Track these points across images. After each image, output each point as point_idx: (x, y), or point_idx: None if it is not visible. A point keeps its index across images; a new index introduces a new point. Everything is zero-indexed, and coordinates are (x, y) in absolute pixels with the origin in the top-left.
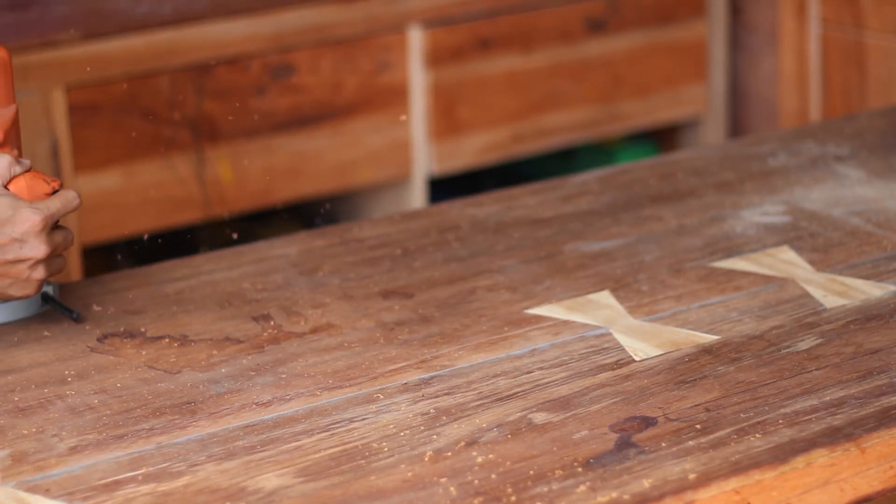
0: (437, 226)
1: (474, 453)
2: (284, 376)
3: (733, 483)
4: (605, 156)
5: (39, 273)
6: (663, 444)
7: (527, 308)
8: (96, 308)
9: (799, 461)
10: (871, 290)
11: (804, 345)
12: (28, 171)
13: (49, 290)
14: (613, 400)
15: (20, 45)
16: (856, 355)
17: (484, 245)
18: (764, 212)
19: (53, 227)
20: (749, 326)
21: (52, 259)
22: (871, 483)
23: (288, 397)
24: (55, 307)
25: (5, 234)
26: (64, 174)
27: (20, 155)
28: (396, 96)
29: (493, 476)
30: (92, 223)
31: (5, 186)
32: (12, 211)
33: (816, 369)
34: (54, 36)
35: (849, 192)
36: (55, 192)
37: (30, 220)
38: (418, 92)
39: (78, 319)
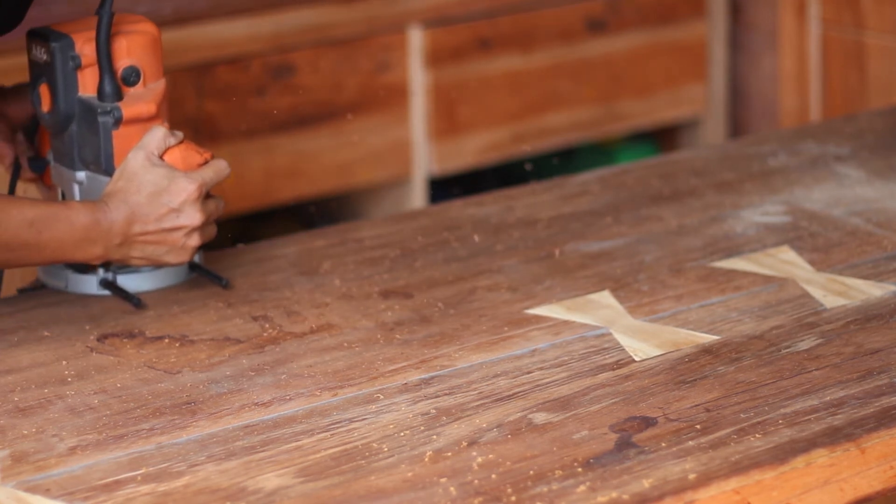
0: (437, 226)
1: (474, 453)
2: (284, 376)
3: (733, 483)
4: (605, 156)
5: (195, 240)
6: (663, 444)
7: (527, 308)
8: (96, 309)
9: (799, 461)
10: (871, 290)
11: (804, 345)
12: (181, 142)
13: (195, 258)
14: (613, 400)
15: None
16: (856, 355)
17: (484, 245)
18: (764, 212)
19: (206, 195)
20: (749, 326)
21: (206, 226)
22: (871, 483)
23: (288, 397)
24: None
25: (163, 204)
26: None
27: (169, 128)
28: (396, 96)
29: (493, 476)
30: None
31: (161, 157)
32: (168, 181)
33: (816, 369)
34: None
35: (849, 192)
36: (206, 162)
37: (185, 189)
38: (418, 92)
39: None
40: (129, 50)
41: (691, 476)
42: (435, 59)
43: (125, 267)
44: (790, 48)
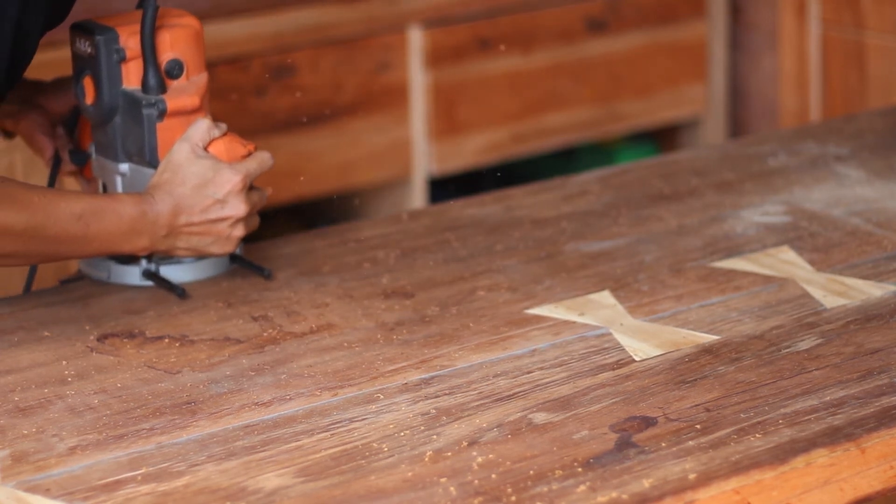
0: (437, 226)
1: (474, 453)
2: (284, 376)
3: (733, 483)
4: (605, 156)
5: (239, 231)
6: (663, 444)
7: (527, 308)
8: (97, 308)
9: (799, 461)
10: (871, 290)
11: (804, 345)
12: (225, 134)
13: (237, 249)
14: (613, 400)
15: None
16: (856, 355)
17: (484, 245)
18: (764, 212)
19: (249, 186)
20: (749, 326)
21: (250, 217)
22: (871, 483)
23: (288, 397)
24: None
25: (208, 196)
26: (64, 174)
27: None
28: (396, 96)
29: (493, 476)
30: None
31: (205, 149)
32: (213, 172)
33: (816, 369)
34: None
35: (849, 192)
36: (250, 153)
37: (230, 180)
38: (418, 92)
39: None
40: (173, 43)
41: (691, 476)
42: (435, 59)
43: (167, 258)
44: (790, 48)
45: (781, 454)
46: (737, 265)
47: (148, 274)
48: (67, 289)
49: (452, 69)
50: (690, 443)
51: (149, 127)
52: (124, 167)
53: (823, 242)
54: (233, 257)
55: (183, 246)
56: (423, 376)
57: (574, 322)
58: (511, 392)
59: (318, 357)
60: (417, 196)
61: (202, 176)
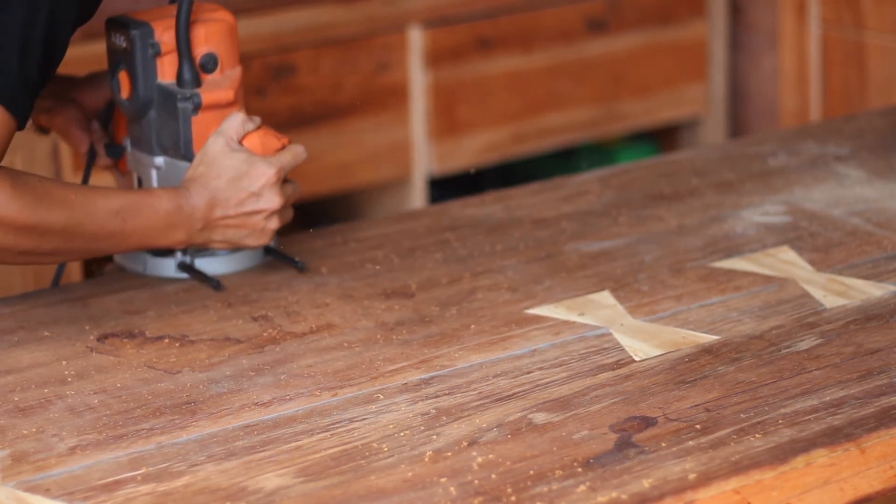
0: (437, 226)
1: (474, 453)
2: (284, 376)
3: (733, 483)
4: (605, 156)
5: (274, 223)
6: (663, 444)
7: (527, 308)
8: (96, 308)
9: (799, 461)
10: (871, 290)
11: (804, 345)
12: (259, 127)
13: (270, 242)
14: (613, 400)
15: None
16: (856, 355)
17: (484, 245)
18: (764, 212)
19: (284, 180)
20: (749, 326)
21: (284, 210)
22: (871, 483)
23: (288, 397)
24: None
25: (243, 189)
26: (64, 174)
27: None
28: (396, 96)
29: (493, 476)
30: None
31: (240, 143)
32: (248, 166)
33: (816, 369)
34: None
35: (849, 192)
36: (284, 147)
37: (265, 174)
38: (418, 92)
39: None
40: (207, 38)
41: (691, 476)
42: (435, 59)
43: (203, 250)
44: (790, 48)
45: (781, 454)
46: (737, 265)
47: (183, 266)
48: (67, 289)
49: (452, 69)
50: (690, 443)
51: (184, 120)
52: (159, 160)
53: (823, 242)
54: (266, 249)
55: (219, 239)
56: (423, 376)
57: (574, 322)
58: (511, 392)
59: (318, 357)
60: (417, 196)
61: (237, 169)
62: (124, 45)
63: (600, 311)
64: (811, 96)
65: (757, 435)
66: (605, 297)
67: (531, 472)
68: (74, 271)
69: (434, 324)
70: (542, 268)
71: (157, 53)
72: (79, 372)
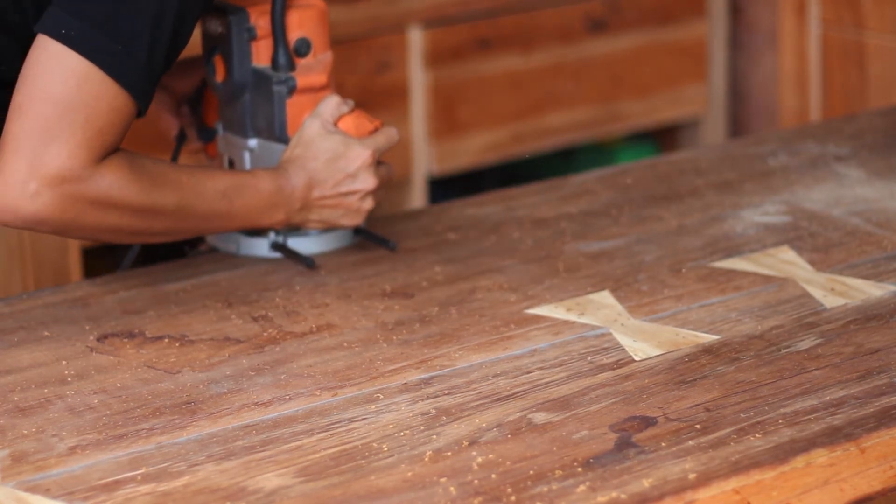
0: (437, 226)
1: (474, 453)
2: (284, 376)
3: (733, 483)
4: (605, 156)
5: (368, 203)
6: (663, 444)
7: (527, 308)
8: (96, 308)
9: (799, 461)
10: (871, 290)
11: (804, 345)
12: (353, 110)
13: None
14: (613, 400)
15: None
16: (856, 355)
17: (484, 245)
18: (764, 212)
19: (377, 161)
20: (749, 326)
21: (378, 191)
22: (871, 483)
23: (288, 397)
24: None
25: (339, 170)
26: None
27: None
28: (396, 96)
29: (493, 476)
30: None
31: (335, 125)
32: (344, 147)
33: (816, 369)
34: None
35: (849, 192)
36: (376, 129)
37: (360, 155)
38: (418, 92)
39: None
40: (301, 23)
41: (691, 476)
42: (435, 59)
43: (295, 230)
44: (790, 48)
45: (781, 454)
46: (737, 265)
47: (276, 246)
48: (67, 289)
49: (452, 69)
50: (690, 443)
51: (279, 103)
52: (253, 143)
53: (823, 242)
54: (357, 230)
55: (315, 218)
56: (422, 376)
57: (574, 322)
58: (511, 392)
59: (318, 357)
60: (417, 196)
61: (334, 151)
62: (220, 29)
63: (600, 311)
64: (811, 96)
65: (757, 435)
66: (605, 297)
67: (531, 472)
68: (74, 271)
69: (434, 324)
70: (542, 268)
71: (253, 38)
72: (79, 372)
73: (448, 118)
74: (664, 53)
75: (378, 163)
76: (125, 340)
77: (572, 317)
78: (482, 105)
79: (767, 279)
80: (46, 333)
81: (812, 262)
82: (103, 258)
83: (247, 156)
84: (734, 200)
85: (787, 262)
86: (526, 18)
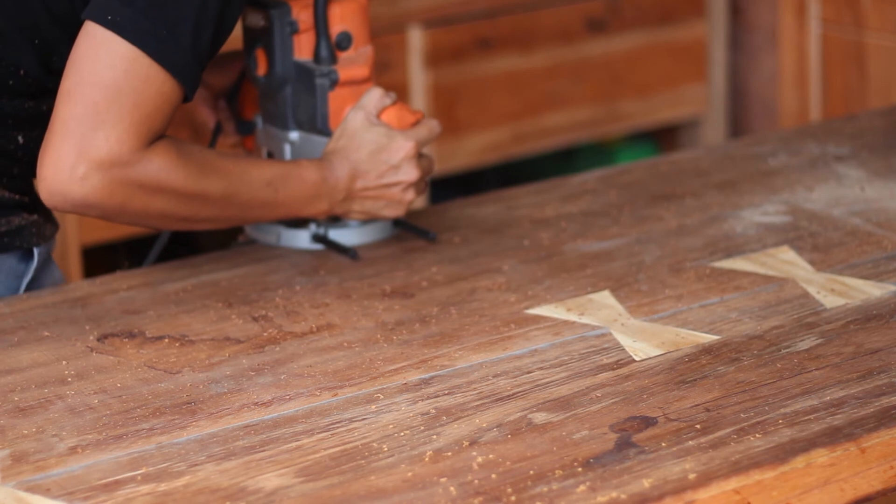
0: (437, 226)
1: (474, 453)
2: (284, 376)
3: (733, 483)
4: (605, 156)
5: (410, 195)
6: (663, 444)
7: (527, 308)
8: (97, 307)
9: (799, 461)
10: (871, 290)
11: (804, 345)
12: (395, 102)
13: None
14: (613, 400)
15: None
16: (856, 355)
17: (484, 245)
18: (764, 212)
19: (419, 153)
20: (749, 326)
21: (420, 182)
22: (871, 483)
23: (288, 397)
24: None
25: (382, 161)
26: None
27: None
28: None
29: (493, 476)
30: (92, 223)
31: (378, 117)
32: (388, 139)
33: (816, 369)
34: None
35: (849, 192)
36: (418, 121)
37: (403, 147)
38: (418, 92)
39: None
40: (343, 16)
41: (691, 476)
42: (435, 59)
43: (335, 222)
44: (790, 48)
45: (781, 454)
46: (737, 265)
47: (317, 237)
48: (67, 289)
49: (452, 69)
50: (690, 443)
51: (321, 96)
52: (294, 135)
53: (823, 242)
54: (396, 222)
55: (358, 209)
56: (423, 376)
57: (574, 322)
58: (511, 392)
59: (318, 357)
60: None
61: (377, 142)
62: (262, 23)
63: (600, 311)
64: (811, 96)
65: (757, 435)
66: (605, 297)
67: (531, 472)
68: (75, 272)
69: (434, 324)
70: (542, 268)
71: (295, 31)
72: (79, 372)
73: (448, 118)
74: (664, 53)
75: (420, 154)
76: (125, 340)
77: (572, 317)
78: (482, 105)
79: (767, 279)
80: (46, 333)
81: (812, 262)
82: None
83: (287, 148)
84: (734, 200)
85: (787, 262)
86: (526, 18)
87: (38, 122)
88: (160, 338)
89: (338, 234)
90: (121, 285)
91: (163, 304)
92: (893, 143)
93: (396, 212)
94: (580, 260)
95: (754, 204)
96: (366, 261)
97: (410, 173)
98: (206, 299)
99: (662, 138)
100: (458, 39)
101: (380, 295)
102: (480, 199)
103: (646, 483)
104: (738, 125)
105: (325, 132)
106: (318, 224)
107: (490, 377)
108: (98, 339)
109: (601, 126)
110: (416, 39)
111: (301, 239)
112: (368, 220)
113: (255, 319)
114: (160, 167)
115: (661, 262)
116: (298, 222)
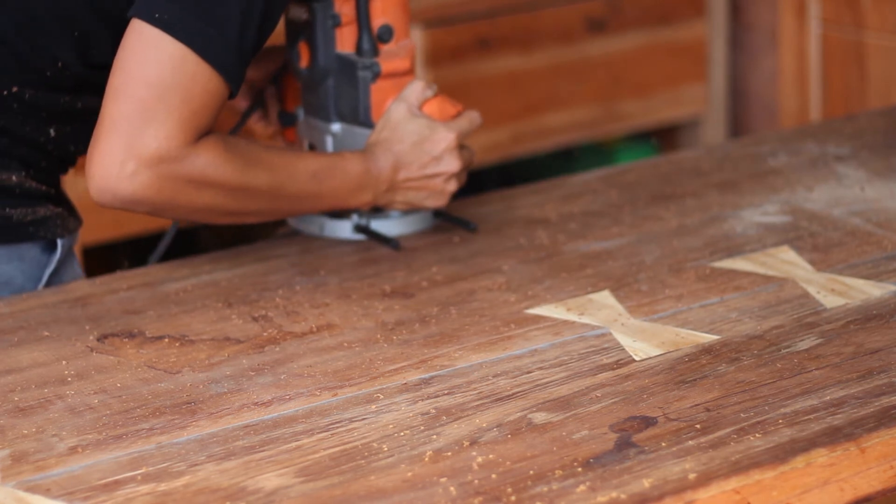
0: (437, 226)
1: (474, 453)
2: (284, 376)
3: (733, 483)
4: (605, 156)
5: (452, 186)
6: (663, 444)
7: (527, 308)
8: (97, 307)
9: (799, 461)
10: (871, 290)
11: (804, 345)
12: (437, 94)
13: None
14: (613, 400)
15: None
16: (856, 355)
17: (484, 245)
18: (764, 212)
19: (460, 145)
20: (749, 326)
21: (461, 173)
22: (871, 483)
23: (288, 397)
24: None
25: (425, 152)
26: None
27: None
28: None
29: (493, 476)
30: (92, 223)
31: (419, 109)
32: (430, 131)
33: (816, 369)
34: None
35: (849, 192)
36: (459, 113)
37: (445, 138)
38: None
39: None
40: (384, 10)
41: (691, 476)
42: (435, 59)
43: (377, 212)
44: (790, 48)
45: (781, 454)
46: (737, 265)
47: (360, 228)
48: (67, 289)
49: (452, 69)
50: (690, 443)
51: (363, 88)
52: (336, 127)
53: (823, 242)
54: (436, 212)
55: (400, 200)
56: (422, 376)
57: (574, 322)
58: (511, 392)
59: (318, 357)
60: None
61: (419, 134)
62: (305, 16)
63: (600, 311)
64: (811, 96)
65: (757, 435)
66: (605, 297)
67: (531, 472)
68: None
69: (434, 324)
70: (541, 268)
71: (337, 24)
72: (79, 372)
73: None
74: (664, 53)
75: (461, 146)
76: (125, 340)
77: (572, 317)
78: (482, 105)
79: (767, 279)
80: (46, 333)
81: (812, 262)
82: (104, 258)
83: (329, 140)
84: (734, 200)
85: (787, 262)
86: (526, 18)
87: (71, 117)
88: (160, 338)
89: (379, 225)
90: (121, 285)
91: (163, 304)
92: (893, 143)
93: (438, 202)
94: (580, 260)
95: (754, 204)
96: (366, 261)
97: (452, 164)
98: (206, 299)
99: (662, 138)
100: (458, 39)
101: (380, 295)
102: (480, 199)
103: (646, 483)
104: (738, 125)
105: (368, 124)
106: (361, 215)
107: (490, 377)
108: (98, 339)
109: (601, 126)
110: (416, 39)
111: (343, 229)
112: (410, 210)
113: (255, 319)
114: (208, 162)
115: (661, 262)
116: (341, 213)
